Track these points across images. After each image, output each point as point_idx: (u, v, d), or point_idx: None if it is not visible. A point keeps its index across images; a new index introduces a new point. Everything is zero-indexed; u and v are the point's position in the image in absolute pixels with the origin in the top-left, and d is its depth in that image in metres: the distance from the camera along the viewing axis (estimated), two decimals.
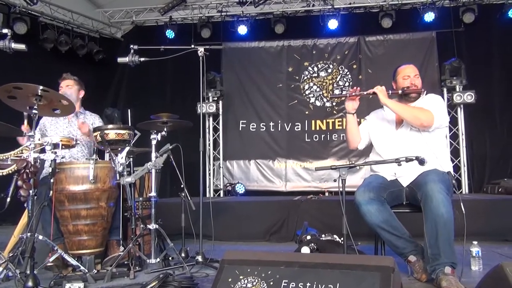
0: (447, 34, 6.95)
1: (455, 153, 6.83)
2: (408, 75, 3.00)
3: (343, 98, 3.21)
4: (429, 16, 6.89)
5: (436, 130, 2.87)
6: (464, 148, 6.84)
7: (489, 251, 3.72)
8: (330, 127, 7.31)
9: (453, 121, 6.91)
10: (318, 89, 7.46)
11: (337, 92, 7.33)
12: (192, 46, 3.43)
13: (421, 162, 2.46)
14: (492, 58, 6.96)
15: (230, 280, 1.83)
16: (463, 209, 2.54)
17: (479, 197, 5.50)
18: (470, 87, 6.68)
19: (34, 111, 2.79)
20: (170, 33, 7.52)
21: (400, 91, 2.98)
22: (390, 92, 2.97)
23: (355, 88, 3.05)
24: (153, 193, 3.34)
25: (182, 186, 3.45)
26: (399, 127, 2.98)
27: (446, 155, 2.94)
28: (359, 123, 3.20)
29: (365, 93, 3.00)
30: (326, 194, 6.86)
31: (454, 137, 6.93)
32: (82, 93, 3.85)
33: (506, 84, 6.85)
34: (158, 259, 3.23)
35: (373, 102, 2.98)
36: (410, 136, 2.90)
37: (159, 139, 3.36)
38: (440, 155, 2.84)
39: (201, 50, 3.38)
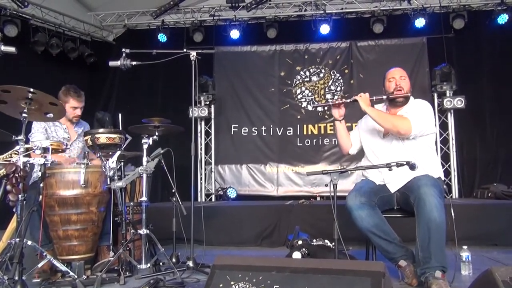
0: (437, 39, 7.00)
1: (445, 158, 6.89)
2: (394, 77, 2.98)
3: (327, 107, 3.20)
4: (420, 22, 6.96)
5: (419, 138, 2.86)
6: (454, 153, 6.89)
7: (479, 255, 3.75)
8: (322, 132, 7.33)
9: (444, 126, 6.98)
10: (310, 94, 7.49)
11: (328, 96, 7.37)
12: (184, 50, 3.42)
13: (412, 167, 2.47)
14: (481, 64, 7.03)
15: (221, 285, 1.82)
16: (452, 214, 2.56)
17: (469, 202, 5.55)
18: (460, 93, 6.73)
19: (24, 114, 2.77)
20: (162, 37, 7.50)
21: (384, 97, 2.98)
22: (374, 98, 2.96)
23: (336, 98, 3.05)
24: (144, 198, 3.32)
25: (173, 190, 3.44)
26: (386, 135, 2.98)
27: (435, 161, 2.93)
28: (351, 128, 3.20)
29: (348, 100, 3.01)
30: (318, 198, 6.87)
31: (444, 142, 6.98)
32: None
33: (495, 89, 6.92)
34: (148, 265, 3.20)
35: None
36: (395, 144, 2.91)
37: (150, 143, 3.34)
38: (428, 161, 2.84)
39: (193, 54, 3.37)
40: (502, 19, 6.73)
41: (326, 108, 7.26)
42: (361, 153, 3.18)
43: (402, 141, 2.88)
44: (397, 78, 2.97)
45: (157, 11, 7.48)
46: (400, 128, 2.79)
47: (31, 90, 2.68)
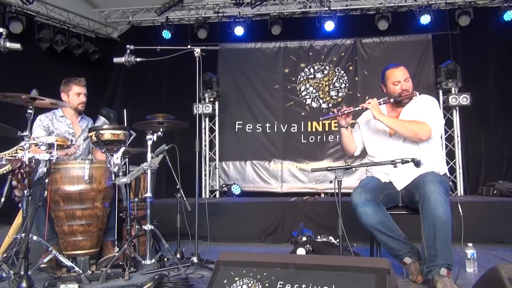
0: (443, 36, 6.97)
1: (450, 155, 6.86)
2: (398, 80, 2.95)
3: (335, 118, 3.11)
4: (425, 19, 6.91)
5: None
6: (459, 150, 6.86)
7: (484, 253, 3.74)
8: (326, 128, 7.32)
9: (449, 123, 6.93)
10: (314, 91, 7.47)
11: (333, 93, 7.36)
12: (189, 46, 3.43)
13: (417, 164, 2.46)
14: (487, 61, 6.99)
15: (225, 281, 1.83)
16: (460, 211, 2.54)
17: (474, 199, 5.52)
18: (465, 90, 6.70)
19: (29, 110, 2.79)
20: (166, 34, 7.50)
21: (392, 100, 2.95)
22: (381, 101, 2.95)
23: (344, 107, 2.98)
24: (148, 194, 3.33)
25: (177, 186, 3.45)
26: (393, 135, 2.96)
27: (441, 158, 2.93)
28: (352, 125, 3.17)
29: (357, 109, 2.97)
30: (322, 195, 6.87)
31: (449, 139, 6.95)
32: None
33: (501, 86, 6.88)
34: (153, 260, 3.22)
35: None
36: (404, 145, 2.89)
37: (155, 139, 3.35)
38: (436, 159, 2.84)
39: (197, 50, 3.38)
40: (509, 15, 6.66)
41: (331, 104, 7.29)
42: (365, 151, 3.16)
43: (413, 142, 2.86)
44: (402, 81, 2.95)
45: (161, 8, 7.48)
46: (422, 135, 2.79)
47: (31, 95, 2.69)
